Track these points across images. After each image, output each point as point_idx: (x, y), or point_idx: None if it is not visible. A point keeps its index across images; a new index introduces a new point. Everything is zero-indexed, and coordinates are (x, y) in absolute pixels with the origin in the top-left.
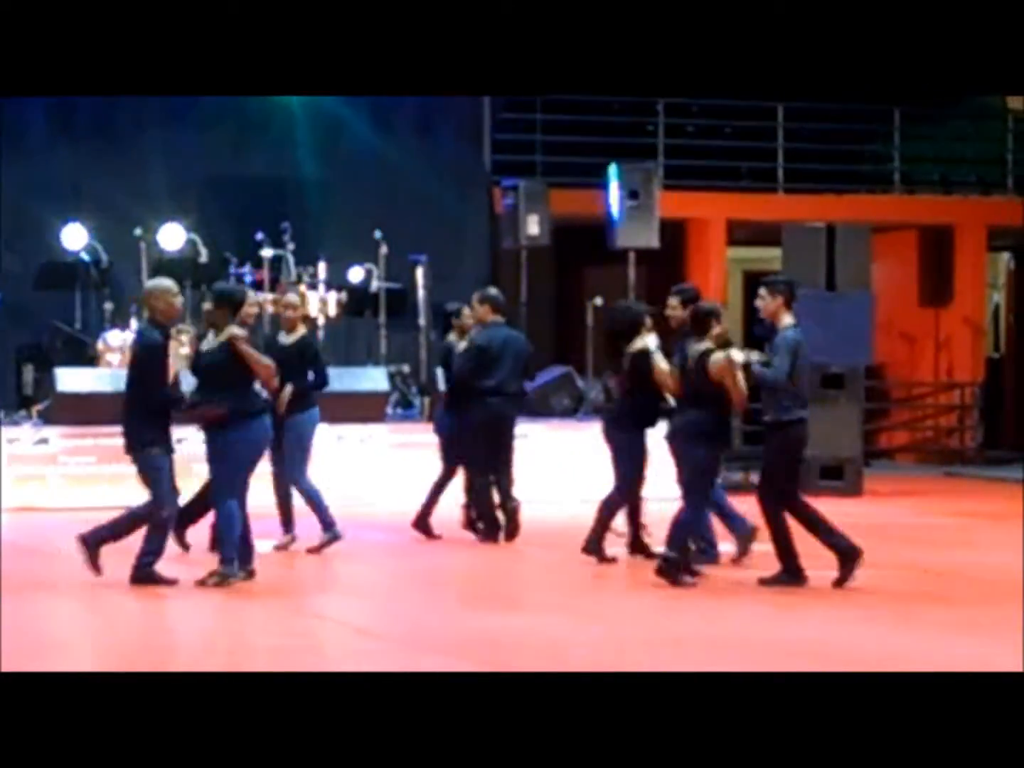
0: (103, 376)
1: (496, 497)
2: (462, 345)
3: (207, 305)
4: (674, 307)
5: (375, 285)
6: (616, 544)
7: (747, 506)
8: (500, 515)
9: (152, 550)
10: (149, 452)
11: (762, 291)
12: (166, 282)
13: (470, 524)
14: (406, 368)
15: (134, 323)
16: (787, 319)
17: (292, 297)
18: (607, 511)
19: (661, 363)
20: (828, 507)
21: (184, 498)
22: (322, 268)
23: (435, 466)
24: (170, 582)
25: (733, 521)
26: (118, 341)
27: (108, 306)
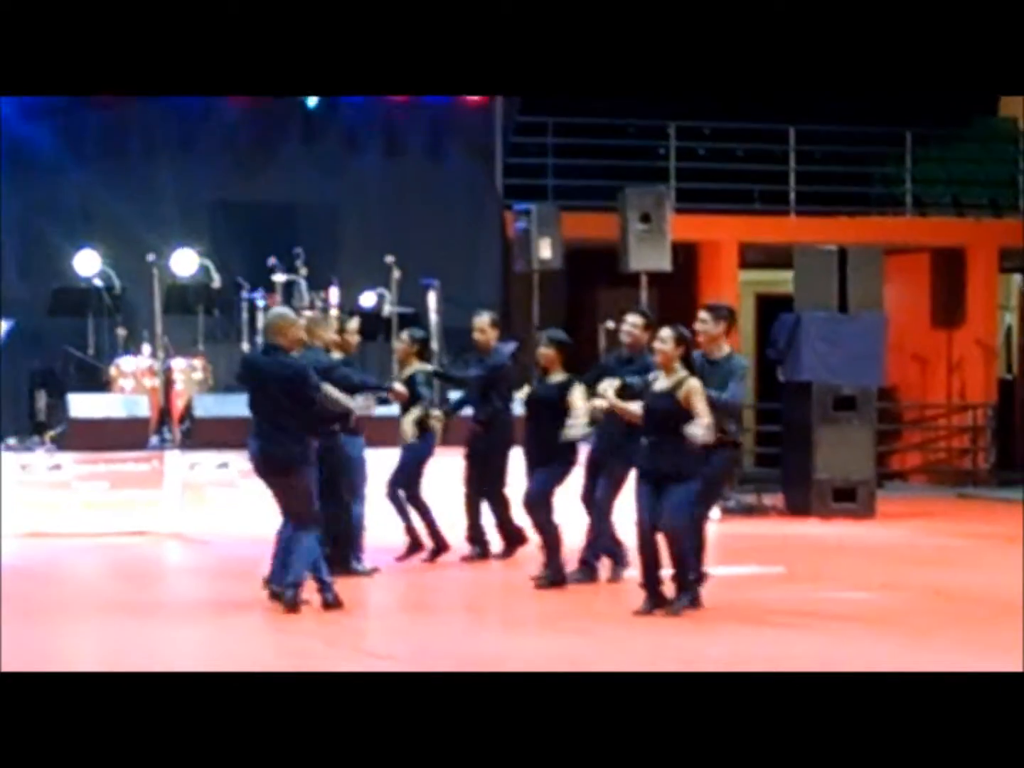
0: (116, 402)
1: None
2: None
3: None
4: (635, 325)
5: (387, 310)
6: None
7: (749, 528)
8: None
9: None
10: (306, 469)
11: (705, 315)
12: (284, 310)
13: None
14: None
15: (146, 348)
16: (726, 347)
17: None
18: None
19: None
20: (841, 529)
21: None
22: (334, 293)
23: (448, 487)
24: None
25: None
26: (131, 367)
27: (121, 332)
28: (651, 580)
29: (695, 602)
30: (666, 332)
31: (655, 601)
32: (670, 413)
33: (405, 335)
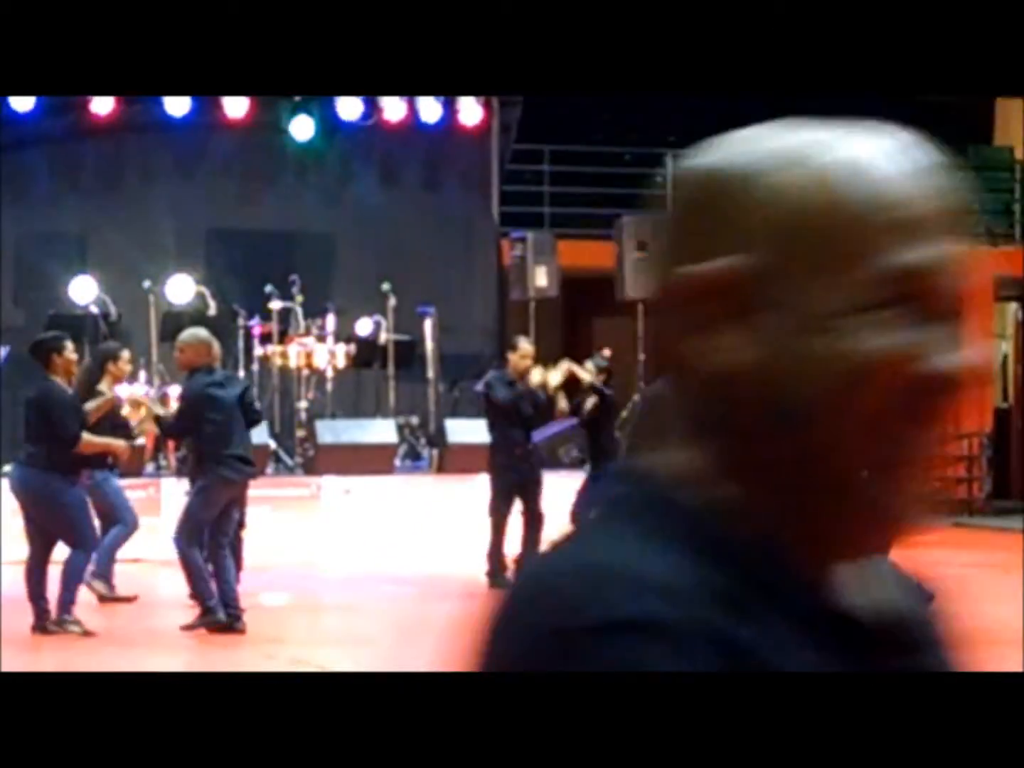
0: None
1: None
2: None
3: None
4: None
5: (384, 337)
6: None
7: None
8: None
9: None
10: None
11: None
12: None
13: None
14: (415, 420)
15: (142, 376)
16: None
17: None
18: None
19: None
20: None
21: None
22: (331, 320)
23: (445, 516)
24: None
25: None
26: (127, 394)
27: None
28: None
29: None
30: None
31: None
32: None
33: None
